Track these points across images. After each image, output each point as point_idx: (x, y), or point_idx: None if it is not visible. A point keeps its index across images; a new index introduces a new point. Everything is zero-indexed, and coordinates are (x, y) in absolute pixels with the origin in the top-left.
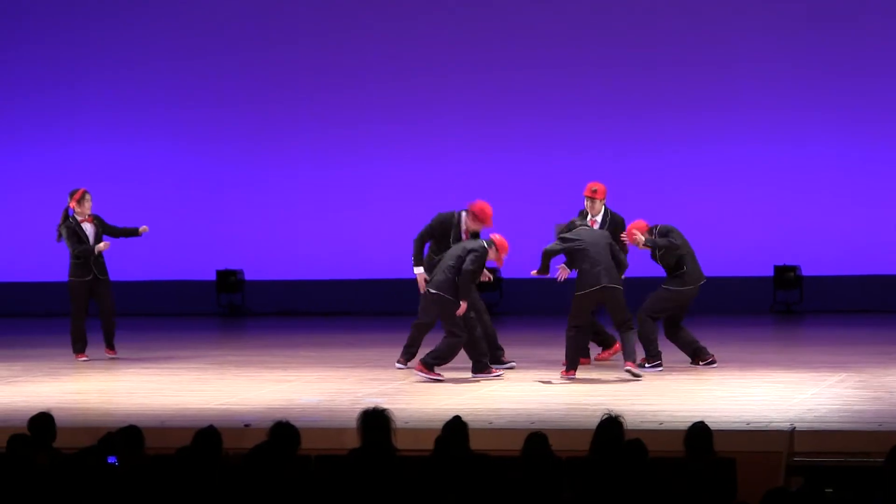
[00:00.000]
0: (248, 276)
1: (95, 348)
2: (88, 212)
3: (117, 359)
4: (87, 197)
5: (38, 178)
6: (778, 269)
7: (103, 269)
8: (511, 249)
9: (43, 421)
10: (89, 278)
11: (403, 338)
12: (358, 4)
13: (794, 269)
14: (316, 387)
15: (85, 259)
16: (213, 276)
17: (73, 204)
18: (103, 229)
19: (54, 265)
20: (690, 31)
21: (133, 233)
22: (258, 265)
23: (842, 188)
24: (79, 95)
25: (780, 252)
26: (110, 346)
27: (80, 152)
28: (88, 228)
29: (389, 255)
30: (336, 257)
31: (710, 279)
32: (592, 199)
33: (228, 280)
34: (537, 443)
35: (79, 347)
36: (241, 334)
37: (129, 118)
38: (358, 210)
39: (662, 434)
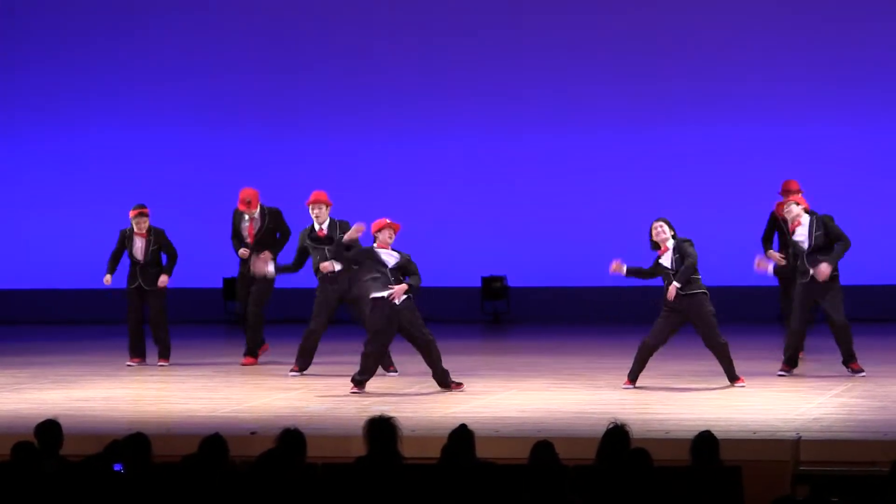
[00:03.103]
0: None
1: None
2: (142, 230)
3: (133, 366)
4: (141, 219)
5: (36, 179)
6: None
7: (151, 281)
8: (520, 255)
9: (49, 428)
10: (134, 286)
11: (409, 346)
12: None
13: None
14: (323, 394)
15: (132, 268)
16: (220, 284)
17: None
18: (160, 245)
19: (56, 272)
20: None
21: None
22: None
23: (847, 199)
24: (89, 101)
25: None
26: (161, 356)
27: (92, 164)
28: (139, 242)
29: None
30: None
31: (719, 288)
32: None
33: (236, 287)
34: (544, 451)
35: (133, 352)
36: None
37: (137, 122)
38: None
39: (669, 443)
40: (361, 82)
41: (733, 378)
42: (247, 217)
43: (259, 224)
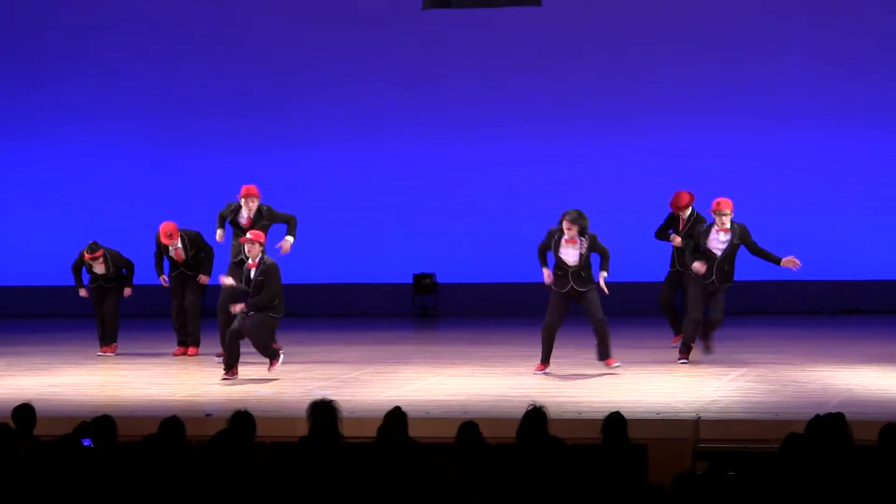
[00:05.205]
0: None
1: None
2: (98, 262)
3: (102, 355)
4: (94, 262)
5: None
6: None
7: (108, 282)
8: (448, 254)
9: (24, 411)
10: (95, 285)
11: (347, 337)
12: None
13: None
14: (270, 380)
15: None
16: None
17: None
18: (117, 265)
19: (22, 269)
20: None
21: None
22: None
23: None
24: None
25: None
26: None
27: (62, 175)
28: (98, 267)
29: (340, 261)
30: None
31: (628, 284)
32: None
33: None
34: (469, 431)
35: (102, 342)
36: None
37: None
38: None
39: (581, 423)
40: (295, 93)
41: (605, 356)
42: (171, 248)
43: (184, 250)
